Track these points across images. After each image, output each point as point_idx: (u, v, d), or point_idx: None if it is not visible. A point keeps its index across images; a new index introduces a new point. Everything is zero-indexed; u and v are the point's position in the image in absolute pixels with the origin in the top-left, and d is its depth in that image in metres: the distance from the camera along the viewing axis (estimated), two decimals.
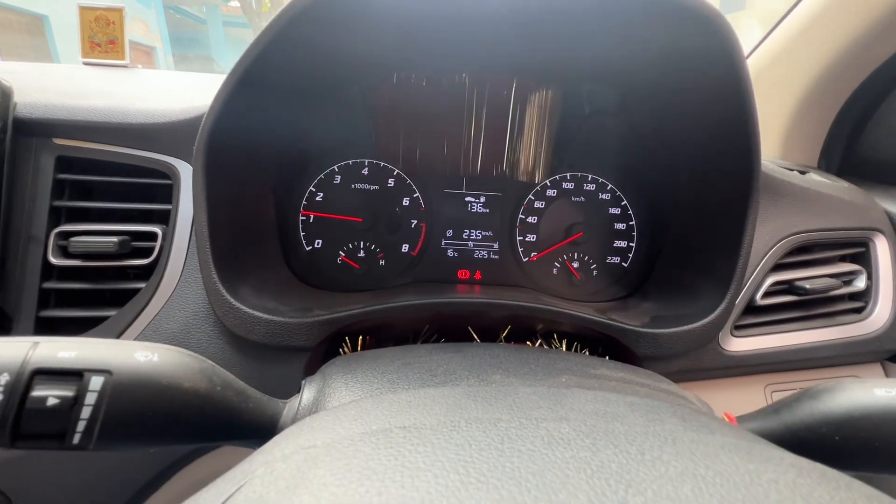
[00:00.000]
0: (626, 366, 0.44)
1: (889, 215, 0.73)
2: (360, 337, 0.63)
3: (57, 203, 0.53)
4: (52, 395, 0.26)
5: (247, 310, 0.52)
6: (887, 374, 0.73)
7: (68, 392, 0.26)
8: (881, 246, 0.71)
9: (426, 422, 0.24)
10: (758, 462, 0.22)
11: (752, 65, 0.91)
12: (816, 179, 0.77)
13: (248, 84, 0.51)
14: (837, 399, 0.34)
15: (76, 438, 0.27)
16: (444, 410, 0.26)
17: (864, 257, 0.71)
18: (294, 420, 0.34)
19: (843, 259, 0.72)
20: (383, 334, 0.64)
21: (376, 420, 0.25)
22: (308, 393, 0.37)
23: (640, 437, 0.23)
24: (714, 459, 0.21)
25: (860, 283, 0.70)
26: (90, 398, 0.27)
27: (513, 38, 0.62)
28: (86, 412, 0.27)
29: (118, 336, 0.53)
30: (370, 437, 0.22)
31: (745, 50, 0.91)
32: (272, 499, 0.18)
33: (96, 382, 0.27)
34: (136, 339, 0.54)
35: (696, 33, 0.49)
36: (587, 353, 0.63)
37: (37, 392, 0.26)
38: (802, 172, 0.82)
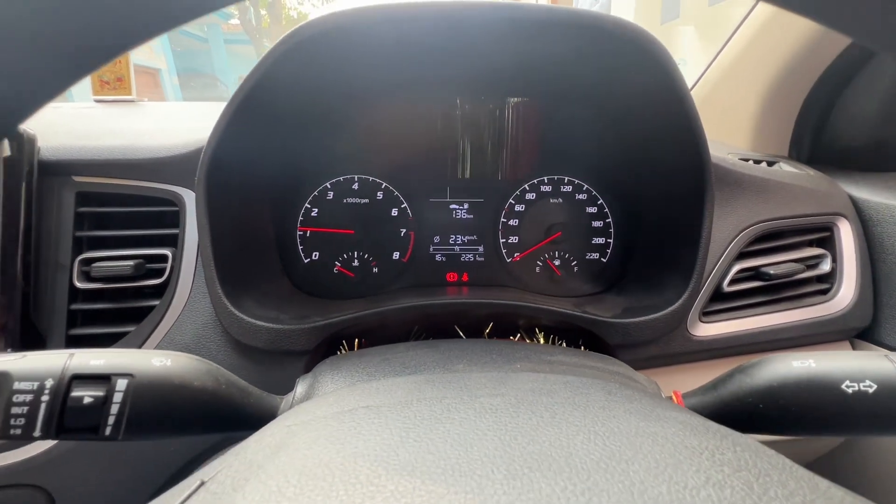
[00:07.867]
0: (585, 352, 0.49)
1: (853, 200, 0.77)
2: (356, 340, 0.69)
3: (79, 233, 0.60)
4: (87, 394, 0.32)
5: (249, 319, 0.58)
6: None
7: (100, 392, 0.32)
8: (844, 230, 0.74)
9: (386, 402, 0.29)
10: (650, 420, 0.27)
11: (720, 62, 0.95)
12: (782, 170, 0.81)
13: (242, 116, 0.57)
14: (761, 372, 0.39)
15: (107, 430, 0.33)
16: (403, 393, 0.31)
17: (829, 241, 0.75)
18: None
19: (809, 244, 0.76)
20: (377, 336, 0.70)
21: (347, 403, 0.30)
22: (301, 388, 0.42)
23: (559, 406, 0.28)
24: (613, 420, 0.26)
25: (825, 266, 0.73)
26: (117, 397, 0.33)
27: (479, 60, 0.67)
28: (114, 408, 0.33)
29: (139, 348, 0.60)
30: (339, 416, 0.28)
31: (712, 51, 0.96)
32: (259, 461, 0.24)
33: (122, 384, 0.33)
34: (153, 349, 0.60)
35: (629, 53, 0.55)
36: (564, 344, 0.68)
37: (75, 392, 0.32)
38: (771, 163, 0.86)
